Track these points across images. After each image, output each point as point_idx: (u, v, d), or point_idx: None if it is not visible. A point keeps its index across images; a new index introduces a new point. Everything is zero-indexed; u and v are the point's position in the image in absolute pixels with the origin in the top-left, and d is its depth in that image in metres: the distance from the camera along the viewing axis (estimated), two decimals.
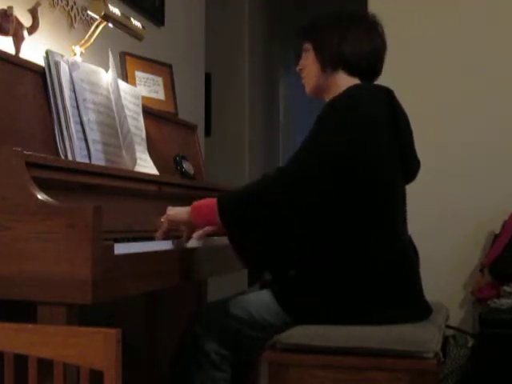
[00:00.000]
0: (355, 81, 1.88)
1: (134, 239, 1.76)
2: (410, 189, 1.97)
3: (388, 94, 1.87)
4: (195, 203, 1.78)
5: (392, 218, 1.84)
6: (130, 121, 2.12)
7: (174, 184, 2.23)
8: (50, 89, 1.86)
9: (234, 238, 1.73)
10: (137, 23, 2.36)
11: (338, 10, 1.97)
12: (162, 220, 1.81)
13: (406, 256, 1.84)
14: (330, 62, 1.87)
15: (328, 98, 1.88)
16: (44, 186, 1.46)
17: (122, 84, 2.21)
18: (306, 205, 1.71)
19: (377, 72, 1.93)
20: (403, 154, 1.86)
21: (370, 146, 1.76)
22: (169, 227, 1.80)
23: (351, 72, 1.88)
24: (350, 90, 1.81)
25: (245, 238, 1.73)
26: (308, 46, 1.93)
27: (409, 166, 1.90)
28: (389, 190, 1.82)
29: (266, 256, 1.77)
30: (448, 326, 2.20)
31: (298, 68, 1.98)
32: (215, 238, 2.05)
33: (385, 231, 1.80)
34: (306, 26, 1.97)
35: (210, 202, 1.75)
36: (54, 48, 2.05)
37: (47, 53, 1.88)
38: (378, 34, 1.92)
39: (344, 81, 1.86)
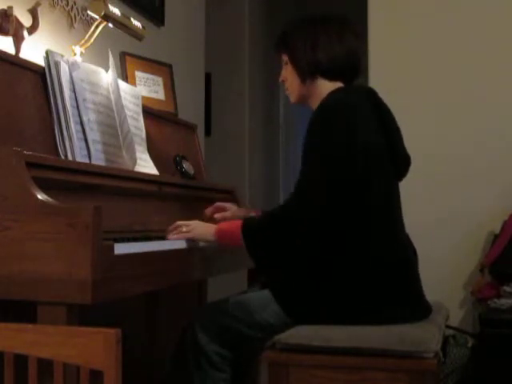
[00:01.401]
0: (337, 84, 1.88)
1: (134, 239, 1.76)
2: (411, 189, 1.98)
3: (370, 93, 1.87)
4: (220, 227, 1.86)
5: (389, 218, 1.84)
6: (130, 121, 2.12)
7: (174, 184, 2.23)
8: (50, 89, 1.86)
9: (257, 261, 1.84)
10: (137, 23, 2.36)
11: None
12: (184, 230, 1.86)
13: (404, 255, 1.84)
14: (308, 72, 1.88)
15: (313, 104, 1.89)
16: (44, 186, 1.46)
17: (122, 84, 2.21)
18: (320, 225, 1.75)
19: (356, 72, 1.92)
20: (393, 151, 1.86)
21: (364, 148, 1.76)
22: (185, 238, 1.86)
23: (330, 77, 1.88)
24: (333, 95, 1.82)
25: (265, 260, 1.83)
26: (285, 57, 1.94)
27: (399, 163, 1.90)
28: (384, 190, 1.83)
29: (279, 265, 1.84)
30: (448, 326, 2.20)
31: (280, 80, 2.00)
32: None
33: (383, 231, 1.80)
34: (280, 36, 1.97)
35: (234, 227, 1.82)
36: (54, 48, 2.05)
37: (47, 53, 1.88)
38: (350, 33, 1.90)
39: (325, 87, 1.87)
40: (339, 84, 1.88)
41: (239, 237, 1.79)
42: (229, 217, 2.06)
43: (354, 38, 1.90)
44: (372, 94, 1.87)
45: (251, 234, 1.79)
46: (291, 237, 1.76)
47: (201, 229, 1.88)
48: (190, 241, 1.87)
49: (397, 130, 1.90)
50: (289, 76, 1.94)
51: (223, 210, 2.12)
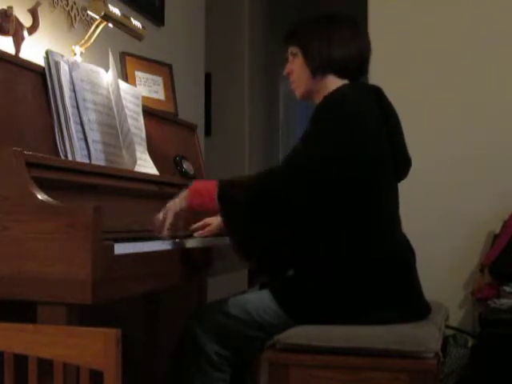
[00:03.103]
0: (344, 82, 1.89)
1: (134, 239, 1.76)
2: (411, 189, 1.98)
3: (376, 91, 1.88)
4: (194, 185, 1.78)
5: (388, 218, 1.84)
6: (130, 121, 2.12)
7: (174, 184, 2.23)
8: (50, 89, 1.86)
9: (231, 228, 1.74)
10: (137, 23, 2.36)
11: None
12: (161, 216, 1.78)
13: (403, 255, 1.84)
14: (320, 67, 1.88)
15: (318, 100, 1.89)
16: (44, 186, 1.46)
17: (122, 84, 2.21)
18: (305, 199, 1.71)
19: (364, 72, 1.94)
20: (394, 151, 1.86)
21: (363, 143, 1.76)
22: (173, 221, 1.77)
23: (340, 74, 1.88)
24: (340, 89, 1.83)
25: (242, 229, 1.74)
26: (295, 50, 1.93)
27: (400, 164, 1.90)
28: (383, 189, 1.83)
29: (259, 248, 1.77)
30: (448, 326, 2.20)
31: (285, 72, 1.98)
32: (215, 238, 2.05)
33: (382, 231, 1.80)
34: (292, 29, 1.96)
35: (209, 185, 1.75)
36: (54, 48, 2.05)
37: (47, 53, 1.88)
38: (362, 34, 1.93)
39: (333, 83, 1.87)
40: (346, 82, 1.89)
41: (214, 194, 1.71)
42: (213, 230, 1.97)
43: (365, 38, 1.93)
44: (378, 93, 1.88)
45: (230, 189, 1.72)
46: (273, 204, 1.70)
47: (172, 201, 1.79)
48: (178, 241, 1.79)
49: (400, 130, 1.91)
50: (298, 69, 1.93)
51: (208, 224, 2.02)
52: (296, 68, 1.93)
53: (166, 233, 1.77)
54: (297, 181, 1.71)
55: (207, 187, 1.75)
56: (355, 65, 1.89)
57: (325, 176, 1.72)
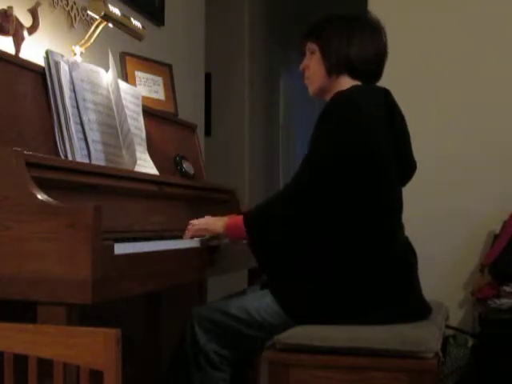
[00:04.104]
0: (357, 83, 1.88)
1: (134, 239, 1.76)
2: (411, 189, 1.98)
3: (385, 94, 1.88)
4: (231, 220, 1.88)
5: (390, 219, 1.84)
6: (130, 121, 2.12)
7: (174, 184, 2.23)
8: (50, 89, 1.86)
9: (259, 255, 1.84)
10: (137, 23, 2.36)
11: (343, 12, 1.97)
12: (194, 224, 1.92)
13: (404, 256, 1.84)
14: (336, 66, 1.89)
15: (329, 98, 1.89)
16: (44, 186, 1.46)
17: (122, 84, 2.21)
18: (317, 214, 1.76)
19: (378, 76, 1.94)
20: (399, 154, 1.86)
21: (369, 144, 1.76)
22: (197, 234, 1.92)
23: (354, 75, 1.89)
24: (347, 90, 1.83)
25: (267, 252, 1.84)
26: (314, 47, 1.94)
27: (405, 167, 1.90)
28: (386, 193, 1.83)
29: (280, 261, 1.84)
30: (448, 326, 2.20)
31: (300, 67, 1.99)
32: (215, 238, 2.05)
33: (383, 232, 1.80)
34: (313, 26, 1.97)
35: (239, 220, 1.85)
36: (54, 48, 2.05)
37: (47, 53, 1.88)
38: (381, 37, 1.93)
39: (346, 83, 1.88)
40: (358, 83, 1.89)
41: (243, 227, 1.81)
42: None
43: (383, 44, 1.93)
44: (386, 95, 1.88)
45: (255, 217, 1.82)
46: (303, 213, 1.76)
47: (211, 220, 1.93)
48: (199, 238, 1.91)
49: (406, 133, 1.91)
50: (314, 66, 1.94)
51: None
52: (312, 64, 1.95)
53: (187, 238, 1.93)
54: (302, 203, 1.76)
55: (237, 221, 1.85)
56: (371, 67, 1.90)
57: (328, 182, 1.73)
